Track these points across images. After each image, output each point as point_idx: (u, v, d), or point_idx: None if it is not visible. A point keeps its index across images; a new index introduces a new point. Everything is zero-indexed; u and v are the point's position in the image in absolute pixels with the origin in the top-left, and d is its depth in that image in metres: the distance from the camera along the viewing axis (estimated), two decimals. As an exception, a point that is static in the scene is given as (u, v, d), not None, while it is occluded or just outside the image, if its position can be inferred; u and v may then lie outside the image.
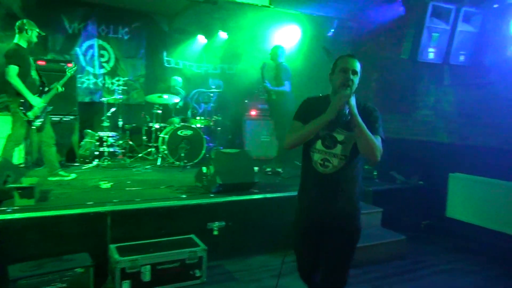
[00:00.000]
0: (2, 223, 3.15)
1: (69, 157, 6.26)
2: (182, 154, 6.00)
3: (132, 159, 6.42)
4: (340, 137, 2.22)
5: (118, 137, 6.41)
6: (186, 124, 6.37)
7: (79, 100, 6.68)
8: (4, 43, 5.95)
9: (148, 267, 3.30)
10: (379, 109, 2.33)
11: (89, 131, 6.39)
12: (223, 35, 8.01)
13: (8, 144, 4.45)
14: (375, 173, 5.63)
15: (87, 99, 7.12)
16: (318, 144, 2.27)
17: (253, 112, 7.48)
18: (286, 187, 4.80)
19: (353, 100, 2.10)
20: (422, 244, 4.75)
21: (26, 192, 3.56)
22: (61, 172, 4.89)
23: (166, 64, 7.93)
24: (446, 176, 5.03)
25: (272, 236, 4.26)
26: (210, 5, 5.72)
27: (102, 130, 6.27)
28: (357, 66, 2.22)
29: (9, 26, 5.98)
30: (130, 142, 6.70)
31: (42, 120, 4.58)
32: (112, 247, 3.42)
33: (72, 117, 6.27)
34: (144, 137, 6.78)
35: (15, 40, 4.45)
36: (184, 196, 4.21)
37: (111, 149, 6.19)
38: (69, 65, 6.20)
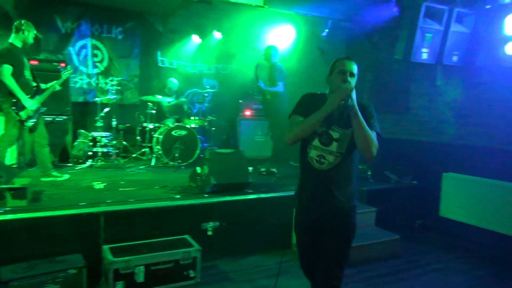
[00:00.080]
0: (-6, 224, 3.12)
1: (62, 157, 6.21)
2: (176, 154, 5.98)
3: (126, 160, 6.40)
4: (335, 135, 2.27)
5: (111, 137, 6.37)
6: (180, 124, 6.35)
7: (72, 100, 6.63)
8: (-3, 42, 5.90)
9: (142, 268, 3.29)
10: (373, 108, 2.34)
11: (83, 131, 6.35)
12: (217, 35, 7.99)
13: (0, 144, 4.41)
14: (369, 173, 5.66)
15: (80, 99, 7.07)
16: (315, 141, 2.30)
17: (247, 112, 7.48)
18: (281, 187, 4.80)
19: (354, 94, 2.15)
20: (415, 244, 4.77)
21: (18, 193, 3.53)
22: (54, 173, 4.86)
23: (160, 64, 7.90)
24: (440, 176, 5.06)
25: (266, 236, 4.26)
26: (204, 5, 5.71)
27: (96, 130, 6.23)
28: (355, 69, 2.29)
29: (1, 25, 5.96)
30: (124, 142, 6.67)
31: (35, 120, 4.54)
32: (106, 248, 3.40)
33: (65, 117, 6.22)
34: (138, 137, 6.75)
35: (10, 40, 4.42)
36: (178, 196, 4.20)
37: (105, 150, 6.15)
38: (62, 64, 6.21)
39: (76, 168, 5.79)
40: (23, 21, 4.45)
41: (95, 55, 7.20)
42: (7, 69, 4.21)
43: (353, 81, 2.27)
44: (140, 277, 3.29)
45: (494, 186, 4.48)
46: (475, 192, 4.67)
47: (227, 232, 4.07)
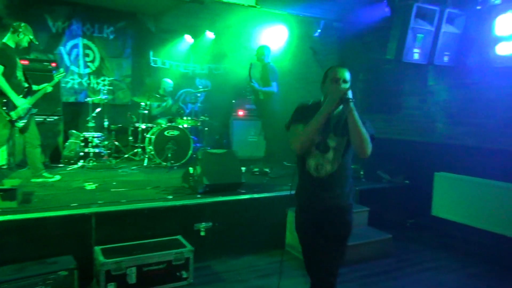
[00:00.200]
0: (-17, 226, 3.08)
1: (54, 158, 6.16)
2: (169, 155, 5.95)
3: (118, 160, 6.35)
4: (332, 143, 2.32)
5: (103, 137, 6.33)
6: (173, 125, 6.32)
7: (63, 100, 6.57)
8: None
9: (134, 269, 3.27)
10: (365, 109, 2.37)
11: (74, 131, 6.29)
12: (210, 35, 7.98)
13: (-10, 145, 4.36)
14: (362, 173, 5.68)
15: (71, 99, 7.00)
16: (313, 150, 2.34)
17: (240, 112, 7.47)
18: (274, 187, 4.80)
19: (350, 92, 2.19)
20: (407, 243, 4.80)
21: (8, 194, 3.48)
22: (45, 174, 4.81)
23: (152, 64, 7.86)
24: (432, 175, 5.09)
25: (259, 237, 4.26)
26: (196, 4, 5.69)
27: (87, 131, 6.19)
28: (347, 75, 2.33)
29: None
30: (116, 143, 6.63)
31: (25, 121, 4.50)
32: (97, 249, 3.37)
33: (56, 117, 6.17)
34: (130, 138, 6.70)
35: (4, 39, 4.41)
36: (170, 197, 4.19)
37: (97, 150, 6.11)
38: (53, 64, 6.15)
39: (68, 169, 5.74)
40: (22, 24, 4.45)
41: (86, 55, 7.14)
42: None
43: (346, 87, 2.31)
44: (132, 279, 3.26)
45: (485, 185, 4.51)
46: (467, 191, 4.71)
47: (220, 233, 4.06)
